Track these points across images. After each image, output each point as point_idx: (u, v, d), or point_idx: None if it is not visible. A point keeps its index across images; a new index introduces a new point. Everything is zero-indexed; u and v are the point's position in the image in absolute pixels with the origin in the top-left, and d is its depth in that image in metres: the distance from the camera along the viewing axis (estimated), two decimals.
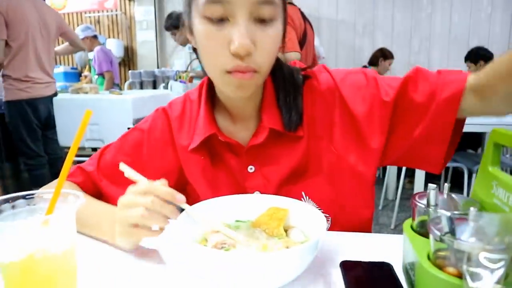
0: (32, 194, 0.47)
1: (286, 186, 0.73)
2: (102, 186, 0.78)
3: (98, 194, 0.78)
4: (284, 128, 0.70)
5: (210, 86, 0.76)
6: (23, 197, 0.46)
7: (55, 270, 0.42)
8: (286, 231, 0.59)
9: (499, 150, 0.46)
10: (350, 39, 4.69)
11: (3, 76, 2.61)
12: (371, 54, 4.06)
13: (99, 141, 2.45)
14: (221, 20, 0.60)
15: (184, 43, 3.18)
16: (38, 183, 2.68)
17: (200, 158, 0.75)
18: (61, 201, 0.46)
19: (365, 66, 3.97)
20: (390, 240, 0.66)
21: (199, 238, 0.57)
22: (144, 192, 0.55)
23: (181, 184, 0.79)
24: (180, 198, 0.56)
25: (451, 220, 0.41)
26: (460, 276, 0.40)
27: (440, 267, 0.43)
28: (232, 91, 0.65)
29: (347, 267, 0.56)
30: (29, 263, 0.40)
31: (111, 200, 0.75)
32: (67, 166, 0.43)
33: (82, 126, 0.42)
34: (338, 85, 0.72)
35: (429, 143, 0.67)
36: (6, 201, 0.45)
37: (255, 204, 0.63)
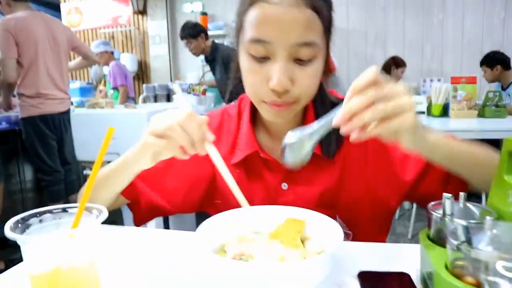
0: (58, 209, 0.48)
1: (317, 208, 0.74)
2: (139, 188, 0.80)
3: (136, 199, 0.80)
4: (323, 152, 0.74)
5: (253, 104, 0.79)
6: (50, 211, 0.48)
7: (80, 281, 0.43)
8: (303, 242, 0.59)
9: None
10: (362, 48, 4.69)
11: (18, 95, 2.65)
12: (383, 63, 4.05)
13: (114, 155, 2.47)
14: (263, 58, 0.64)
15: (198, 52, 3.21)
16: (55, 199, 2.70)
17: (235, 171, 0.78)
18: (85, 215, 0.48)
19: None
20: (407, 249, 0.66)
21: (218, 249, 0.58)
22: (182, 113, 0.59)
23: (209, 194, 0.82)
24: (209, 134, 0.61)
25: (467, 229, 0.41)
26: (478, 285, 0.40)
27: (458, 277, 0.43)
28: (269, 118, 0.71)
29: (365, 277, 0.56)
30: (56, 274, 0.41)
31: (145, 202, 0.78)
32: (91, 182, 0.45)
33: (105, 142, 0.44)
34: None
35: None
36: (34, 215, 0.47)
37: (273, 215, 0.64)
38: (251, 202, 0.76)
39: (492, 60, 3.63)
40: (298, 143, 0.58)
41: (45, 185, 2.72)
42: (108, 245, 0.72)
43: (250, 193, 0.77)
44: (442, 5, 4.46)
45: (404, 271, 0.56)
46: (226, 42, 4.33)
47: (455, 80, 3.04)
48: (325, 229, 0.59)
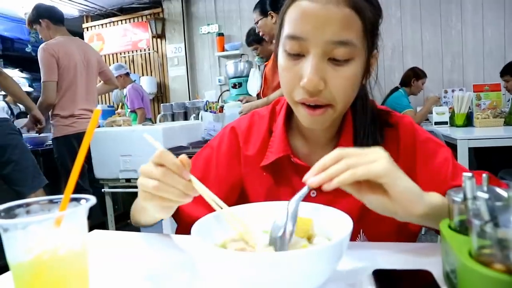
0: (45, 200, 0.46)
1: None
2: (181, 207, 0.78)
3: (177, 213, 0.78)
4: None
5: (290, 107, 0.78)
6: (37, 202, 0.46)
7: (64, 272, 0.40)
8: (310, 239, 0.55)
9: None
10: (380, 61, 4.63)
11: (52, 115, 2.75)
12: (402, 75, 3.97)
13: (132, 172, 2.49)
14: (298, 55, 0.63)
15: (266, 56, 3.15)
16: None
17: (263, 174, 0.77)
18: (73, 206, 0.45)
19: (396, 88, 3.87)
20: (426, 248, 0.60)
21: (219, 245, 0.54)
22: (156, 162, 0.55)
23: (243, 199, 0.80)
24: (186, 174, 0.55)
25: (492, 208, 0.36)
26: (509, 272, 0.35)
27: (486, 265, 0.37)
28: (304, 121, 0.68)
29: (381, 276, 0.50)
30: (37, 264, 0.38)
31: (186, 214, 0.76)
32: (77, 168, 0.42)
33: (92, 123, 0.41)
34: (415, 146, 0.75)
35: None
36: (21, 206, 0.44)
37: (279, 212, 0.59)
38: None
39: None
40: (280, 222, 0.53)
41: None
42: (102, 249, 0.69)
43: (276, 198, 0.74)
44: (461, 16, 4.39)
45: (425, 269, 0.51)
46: (243, 61, 4.35)
47: (478, 88, 2.95)
48: (334, 223, 0.54)
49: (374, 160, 0.51)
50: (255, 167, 0.78)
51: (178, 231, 0.81)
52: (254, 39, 3.07)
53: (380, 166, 0.51)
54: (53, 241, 0.39)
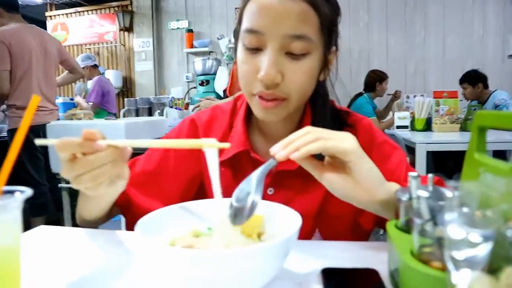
0: None
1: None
2: (131, 196, 0.76)
3: (127, 203, 0.77)
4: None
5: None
6: None
7: None
8: (259, 237, 0.54)
9: (483, 134, 0.42)
10: (346, 64, 4.72)
11: (7, 106, 2.62)
12: (365, 79, 4.06)
13: None
14: (256, 49, 0.64)
15: None
16: (40, 213, 2.61)
17: (221, 168, 0.74)
18: (7, 198, 0.42)
19: (360, 93, 3.96)
20: (377, 246, 0.61)
21: (168, 243, 0.53)
22: (67, 158, 0.50)
23: (202, 193, 0.79)
24: (97, 145, 0.49)
25: (431, 205, 0.36)
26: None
27: (425, 263, 0.38)
28: (258, 114, 0.69)
29: (328, 274, 0.51)
30: None
31: (139, 209, 0.74)
32: (12, 155, 0.40)
33: (28, 112, 0.39)
34: (372, 147, 0.76)
35: None
36: None
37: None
38: None
39: (475, 78, 3.70)
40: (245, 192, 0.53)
41: (28, 198, 2.62)
42: (45, 245, 0.66)
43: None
44: (424, 24, 4.56)
45: (373, 268, 0.51)
46: (211, 59, 4.31)
47: (437, 95, 3.06)
48: (284, 221, 0.53)
49: (344, 139, 0.53)
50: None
51: (128, 225, 0.78)
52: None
53: (350, 144, 0.52)
54: None
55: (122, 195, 0.75)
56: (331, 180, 0.55)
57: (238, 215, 0.50)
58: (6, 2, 2.66)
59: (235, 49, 0.72)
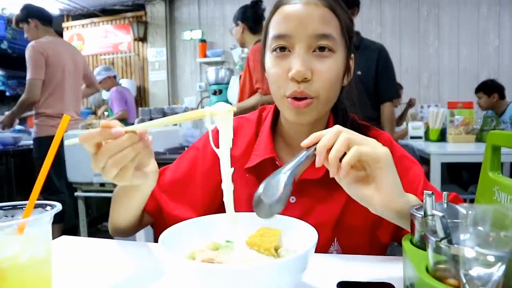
0: (9, 206, 0.45)
1: (318, 226, 0.72)
2: (162, 202, 0.80)
3: (158, 210, 0.80)
4: None
5: (276, 114, 0.82)
6: (1, 208, 0.45)
7: (25, 279, 0.39)
8: (277, 251, 0.55)
9: (498, 153, 0.43)
10: None
11: (36, 114, 2.70)
12: None
13: None
14: (285, 53, 0.70)
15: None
16: (58, 220, 2.65)
17: (245, 175, 0.79)
18: (38, 212, 0.44)
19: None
20: (392, 261, 0.62)
21: (187, 255, 0.54)
22: (93, 151, 0.55)
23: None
24: (116, 131, 0.53)
25: (446, 224, 0.37)
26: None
27: (441, 280, 0.39)
28: (290, 116, 0.72)
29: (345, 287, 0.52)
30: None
31: (170, 216, 0.78)
32: (44, 172, 0.42)
33: (60, 130, 0.41)
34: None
35: None
36: None
37: (247, 224, 0.60)
38: None
39: (491, 87, 3.65)
40: (275, 181, 0.56)
41: None
42: (69, 256, 0.68)
43: None
44: (438, 34, 4.54)
45: (389, 281, 0.52)
46: (224, 68, 4.36)
47: (452, 105, 3.04)
48: (301, 236, 0.55)
49: (376, 145, 0.55)
50: (240, 168, 0.79)
51: (156, 235, 0.80)
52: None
53: (383, 151, 0.54)
54: (14, 248, 0.39)
55: (153, 201, 0.79)
56: (349, 180, 0.56)
57: (265, 207, 0.53)
58: (42, 16, 2.79)
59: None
